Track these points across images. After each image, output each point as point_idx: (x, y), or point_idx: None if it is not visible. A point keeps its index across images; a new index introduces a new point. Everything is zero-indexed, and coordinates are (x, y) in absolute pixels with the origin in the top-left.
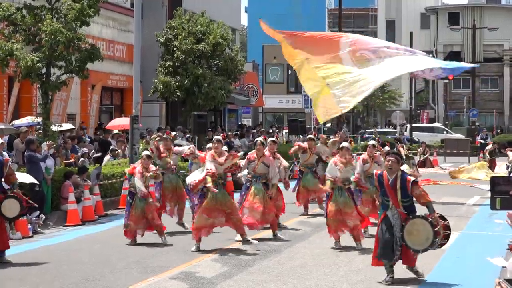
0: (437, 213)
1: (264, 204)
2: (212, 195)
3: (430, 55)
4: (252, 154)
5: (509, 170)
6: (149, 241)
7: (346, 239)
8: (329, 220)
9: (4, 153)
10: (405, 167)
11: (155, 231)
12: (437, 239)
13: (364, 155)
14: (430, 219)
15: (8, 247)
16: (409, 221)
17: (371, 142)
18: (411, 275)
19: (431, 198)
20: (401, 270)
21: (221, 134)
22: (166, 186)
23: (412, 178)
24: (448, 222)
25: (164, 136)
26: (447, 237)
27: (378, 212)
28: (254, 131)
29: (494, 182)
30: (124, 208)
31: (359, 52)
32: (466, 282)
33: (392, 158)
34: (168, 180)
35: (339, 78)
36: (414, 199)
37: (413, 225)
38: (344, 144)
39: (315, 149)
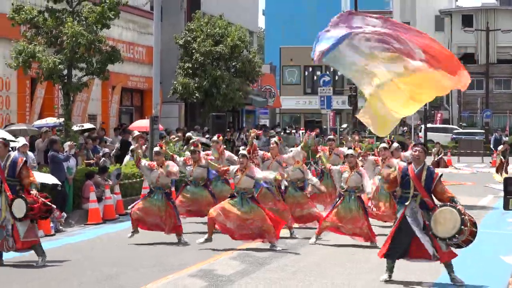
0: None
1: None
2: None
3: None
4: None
5: None
6: (167, 240)
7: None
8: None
9: (29, 153)
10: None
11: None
12: (464, 228)
13: (375, 158)
14: (457, 207)
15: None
16: (437, 210)
17: (383, 144)
18: (421, 275)
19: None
20: (414, 266)
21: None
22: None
23: (440, 172)
24: (474, 219)
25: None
26: (473, 235)
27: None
28: (272, 131)
29: (507, 182)
30: None
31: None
32: (479, 279)
33: (419, 149)
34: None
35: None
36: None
37: (440, 213)
38: (350, 151)
39: (337, 150)
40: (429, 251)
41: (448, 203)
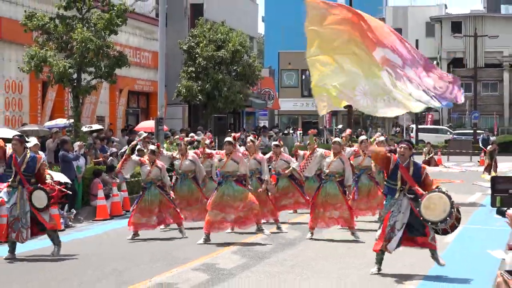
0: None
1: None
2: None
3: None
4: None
5: None
6: (171, 236)
7: (363, 232)
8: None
9: (40, 152)
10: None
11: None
12: (453, 210)
13: (356, 148)
14: (445, 192)
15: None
16: (425, 196)
17: (363, 137)
18: (415, 268)
19: None
20: (406, 260)
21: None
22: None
23: (426, 166)
24: (459, 207)
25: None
26: (458, 220)
27: (385, 202)
28: (271, 132)
29: (495, 181)
30: None
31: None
32: (468, 273)
33: (404, 145)
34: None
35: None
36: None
37: (430, 199)
38: (337, 139)
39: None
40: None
41: (436, 189)
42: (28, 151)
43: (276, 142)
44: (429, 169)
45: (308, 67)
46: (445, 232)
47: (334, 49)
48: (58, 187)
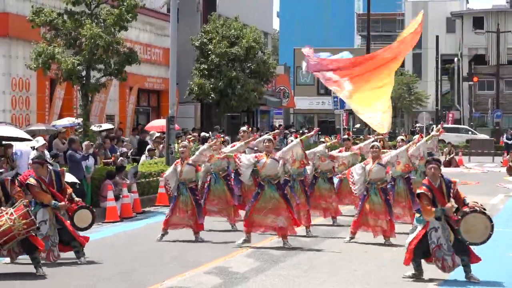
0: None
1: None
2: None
3: None
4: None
5: None
6: (184, 238)
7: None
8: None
9: (46, 152)
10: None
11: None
12: (493, 222)
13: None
14: (477, 209)
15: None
16: (461, 222)
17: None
18: (432, 272)
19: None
20: (426, 265)
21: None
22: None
23: (456, 180)
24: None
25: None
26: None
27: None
28: (287, 131)
29: None
30: (160, 206)
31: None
32: (490, 276)
33: (434, 165)
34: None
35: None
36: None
37: (466, 223)
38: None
39: (352, 149)
40: (447, 264)
41: (466, 211)
42: (51, 168)
43: (245, 127)
44: (450, 170)
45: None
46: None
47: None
48: (78, 199)
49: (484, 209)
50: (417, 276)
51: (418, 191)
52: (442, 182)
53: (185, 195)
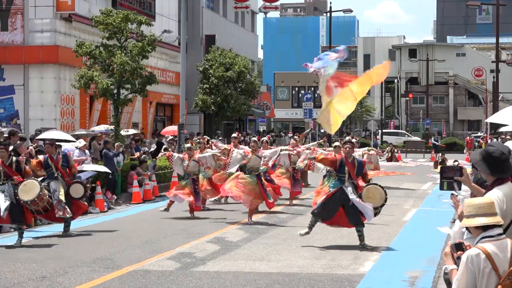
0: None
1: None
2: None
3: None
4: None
5: None
6: (189, 216)
7: None
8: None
9: (86, 151)
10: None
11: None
12: (387, 197)
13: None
14: (378, 184)
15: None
16: (364, 189)
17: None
18: (378, 241)
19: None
20: (372, 234)
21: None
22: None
23: (366, 160)
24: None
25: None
26: (385, 200)
27: (330, 185)
28: (269, 135)
29: (443, 170)
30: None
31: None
32: (421, 245)
33: (348, 145)
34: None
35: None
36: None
37: (368, 191)
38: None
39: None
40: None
41: (372, 182)
42: (60, 150)
43: (255, 138)
44: (391, 163)
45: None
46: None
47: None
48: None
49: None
50: (308, 233)
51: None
52: (354, 159)
53: (188, 183)
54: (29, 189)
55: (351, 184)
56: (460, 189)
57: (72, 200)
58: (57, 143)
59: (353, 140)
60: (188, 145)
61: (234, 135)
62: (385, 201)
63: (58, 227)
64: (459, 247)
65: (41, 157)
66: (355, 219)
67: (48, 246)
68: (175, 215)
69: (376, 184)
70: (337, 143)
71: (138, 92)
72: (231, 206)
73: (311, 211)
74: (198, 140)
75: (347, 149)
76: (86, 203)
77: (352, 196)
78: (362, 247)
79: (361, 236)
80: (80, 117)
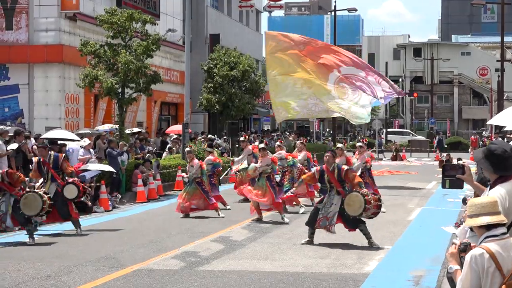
0: (371, 192)
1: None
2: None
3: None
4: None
5: None
6: (197, 215)
7: None
8: None
9: (91, 150)
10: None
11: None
12: (369, 206)
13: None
14: (360, 192)
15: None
16: (347, 196)
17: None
18: (382, 240)
19: (397, 183)
20: (377, 234)
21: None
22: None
23: (345, 167)
24: (380, 197)
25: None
26: (379, 207)
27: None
28: (274, 134)
29: (445, 167)
30: (178, 190)
31: (341, 83)
32: (426, 245)
33: (328, 154)
34: None
35: (321, 92)
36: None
37: (349, 198)
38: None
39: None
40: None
41: (354, 190)
42: (52, 153)
43: (262, 145)
44: (396, 163)
45: (269, 84)
46: (370, 218)
47: (290, 72)
48: (82, 184)
49: (374, 197)
50: (310, 242)
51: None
52: (335, 168)
53: (192, 187)
54: (31, 203)
55: (337, 192)
56: (462, 187)
57: (67, 201)
58: (62, 142)
59: (359, 144)
60: (188, 148)
61: (242, 138)
62: (365, 210)
63: (62, 227)
64: (465, 247)
65: (35, 159)
66: (352, 222)
67: (53, 245)
68: (180, 215)
69: (358, 191)
70: (359, 143)
71: (142, 91)
72: (235, 205)
73: (305, 223)
74: (201, 140)
75: (327, 157)
76: (90, 202)
77: (329, 207)
78: (371, 245)
79: (366, 235)
80: (85, 116)
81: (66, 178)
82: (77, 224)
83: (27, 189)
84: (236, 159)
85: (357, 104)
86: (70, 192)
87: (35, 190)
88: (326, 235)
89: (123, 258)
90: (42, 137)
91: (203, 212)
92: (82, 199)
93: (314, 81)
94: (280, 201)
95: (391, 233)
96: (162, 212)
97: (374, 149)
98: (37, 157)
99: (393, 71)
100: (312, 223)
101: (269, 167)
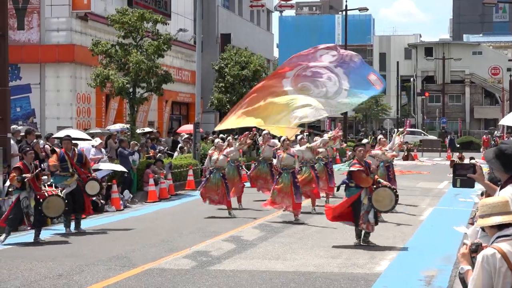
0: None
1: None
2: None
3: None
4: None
5: None
6: (205, 215)
7: None
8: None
9: (102, 149)
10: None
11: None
12: (398, 198)
13: None
14: (388, 186)
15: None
16: (374, 192)
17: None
18: (394, 240)
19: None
20: (388, 233)
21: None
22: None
23: (371, 162)
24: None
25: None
26: (397, 202)
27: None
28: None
29: (456, 167)
30: (189, 190)
31: (300, 84)
32: (438, 244)
33: (362, 148)
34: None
35: (292, 102)
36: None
37: (377, 194)
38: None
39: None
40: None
41: (380, 185)
42: (76, 148)
43: (285, 137)
44: (407, 162)
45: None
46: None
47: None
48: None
49: (394, 189)
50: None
51: (353, 169)
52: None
53: (217, 178)
54: (53, 206)
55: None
56: (473, 187)
57: (87, 197)
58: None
59: (365, 141)
60: (218, 140)
61: (265, 131)
62: (396, 203)
63: (73, 226)
64: (476, 248)
65: (58, 150)
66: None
67: (65, 244)
68: (191, 214)
69: (385, 186)
70: (381, 136)
71: (153, 91)
72: (246, 205)
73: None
74: (212, 139)
75: (362, 152)
76: (102, 201)
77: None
78: (367, 244)
79: (368, 234)
80: (96, 116)
81: (88, 174)
82: (77, 223)
83: (48, 190)
84: (231, 148)
85: (329, 98)
86: (92, 188)
87: (58, 194)
88: (338, 234)
89: (135, 258)
90: (53, 136)
91: (214, 212)
92: (94, 198)
93: (276, 102)
94: (301, 202)
95: (403, 233)
96: (174, 211)
97: (386, 148)
98: (59, 149)
99: (404, 70)
100: (356, 222)
101: (293, 160)
